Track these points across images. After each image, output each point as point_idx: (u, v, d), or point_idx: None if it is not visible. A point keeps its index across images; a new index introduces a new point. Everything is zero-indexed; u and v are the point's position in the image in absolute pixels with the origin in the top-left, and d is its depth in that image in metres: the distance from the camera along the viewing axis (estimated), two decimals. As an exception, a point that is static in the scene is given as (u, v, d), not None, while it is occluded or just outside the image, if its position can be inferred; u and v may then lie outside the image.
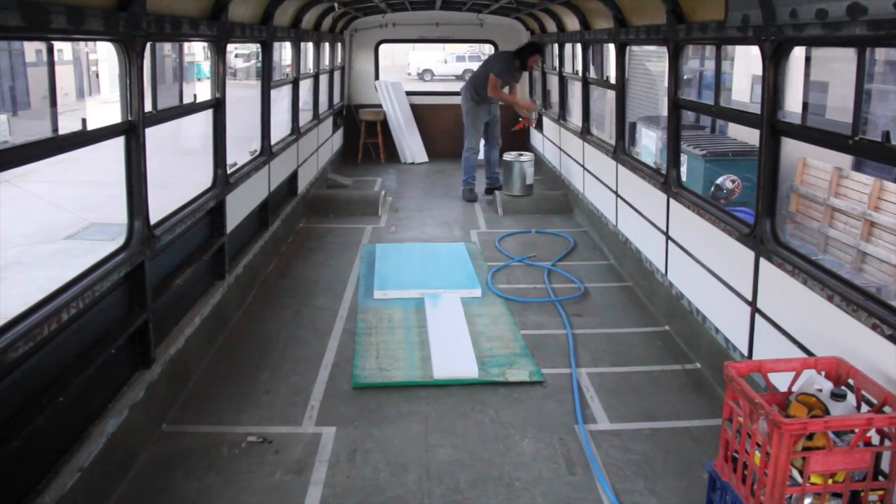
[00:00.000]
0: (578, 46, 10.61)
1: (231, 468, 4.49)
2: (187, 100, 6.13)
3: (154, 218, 5.08)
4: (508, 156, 11.24)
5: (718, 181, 9.60)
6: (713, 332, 5.63)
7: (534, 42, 11.71)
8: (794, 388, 3.71)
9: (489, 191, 11.84)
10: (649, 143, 15.45)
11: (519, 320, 6.77)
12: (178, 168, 15.96)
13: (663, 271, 6.79)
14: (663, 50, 7.02)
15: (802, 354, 4.30)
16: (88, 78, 37.92)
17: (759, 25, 4.69)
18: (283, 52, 12.47)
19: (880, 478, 3.32)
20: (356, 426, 4.98)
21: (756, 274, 4.93)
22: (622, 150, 8.36)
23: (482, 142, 11.91)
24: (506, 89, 11.53)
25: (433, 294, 7.21)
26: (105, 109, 22.06)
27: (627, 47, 8.26)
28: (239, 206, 7.17)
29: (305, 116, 11.21)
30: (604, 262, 8.56)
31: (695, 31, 5.96)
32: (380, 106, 15.21)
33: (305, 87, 11.29)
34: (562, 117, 12.10)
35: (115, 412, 4.36)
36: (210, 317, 6.08)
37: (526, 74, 15.09)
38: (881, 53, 15.44)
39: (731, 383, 3.51)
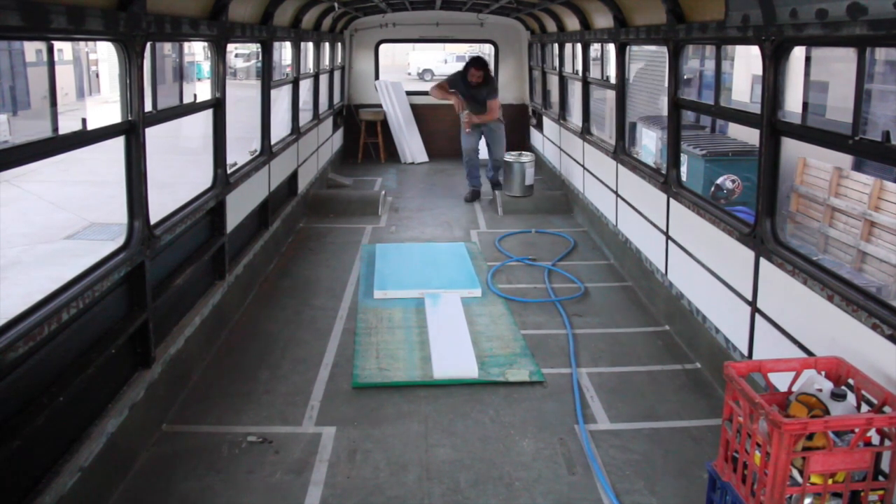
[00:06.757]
0: (578, 46, 10.61)
1: (231, 468, 4.49)
2: (187, 100, 6.13)
3: (154, 218, 5.08)
4: (509, 156, 11.25)
5: (718, 181, 9.60)
6: (713, 331, 5.63)
7: (475, 56, 11.88)
8: (794, 388, 3.70)
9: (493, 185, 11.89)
10: (649, 143, 15.46)
11: (519, 320, 6.77)
12: (178, 168, 15.98)
13: (663, 271, 6.79)
14: (663, 49, 7.03)
15: (802, 354, 4.30)
16: (88, 78, 37.93)
17: (759, 25, 4.69)
18: (284, 52, 12.48)
19: (880, 478, 3.32)
20: (356, 426, 4.98)
21: (756, 274, 4.93)
22: (622, 150, 8.36)
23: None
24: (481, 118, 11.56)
25: (433, 294, 7.21)
26: (105, 109, 22.06)
27: (627, 47, 8.26)
28: (239, 206, 7.17)
29: (305, 116, 11.21)
30: (604, 262, 8.56)
31: (695, 30, 5.96)
32: (380, 106, 15.21)
33: (305, 86, 11.29)
34: (562, 117, 12.11)
35: (115, 412, 4.36)
36: (210, 317, 6.08)
37: (525, 73, 15.13)
38: (881, 53, 15.44)
39: (731, 383, 3.51)
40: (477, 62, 11.49)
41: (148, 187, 4.85)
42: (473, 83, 11.35)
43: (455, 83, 11.67)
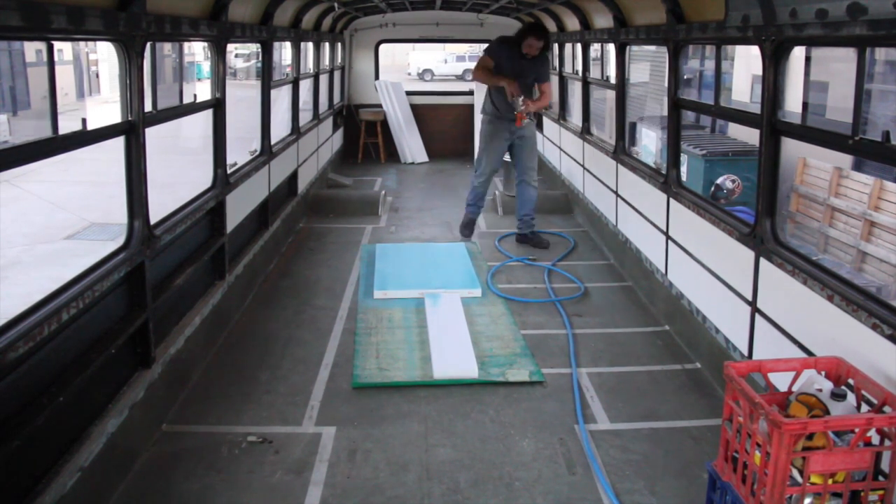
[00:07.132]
0: (578, 46, 10.61)
1: (231, 468, 4.49)
2: (187, 100, 6.13)
3: (154, 218, 5.08)
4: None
5: (718, 181, 9.57)
6: (713, 331, 5.63)
7: (530, 23, 9.38)
8: (794, 388, 3.71)
9: (521, 238, 9.26)
10: (649, 143, 15.46)
11: (519, 320, 6.77)
12: (179, 168, 15.98)
13: (663, 271, 6.79)
14: (662, 49, 7.03)
15: (802, 354, 4.30)
16: (88, 78, 37.96)
17: (759, 25, 4.69)
18: (284, 52, 12.48)
19: (880, 478, 3.32)
20: (356, 426, 4.98)
21: (756, 274, 4.93)
22: (622, 150, 8.36)
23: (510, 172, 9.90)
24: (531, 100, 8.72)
25: (433, 294, 7.21)
26: (105, 109, 22.06)
27: (627, 47, 8.26)
28: (239, 206, 7.17)
29: (305, 116, 11.22)
30: (604, 262, 8.56)
31: (695, 30, 5.96)
32: (380, 106, 15.22)
33: (305, 87, 11.29)
34: (562, 117, 12.11)
35: (115, 412, 4.36)
36: (210, 317, 6.08)
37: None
38: (881, 53, 15.45)
39: (731, 383, 3.51)
40: (537, 30, 8.51)
41: (148, 187, 4.85)
42: (529, 56, 8.48)
43: (497, 54, 8.63)
